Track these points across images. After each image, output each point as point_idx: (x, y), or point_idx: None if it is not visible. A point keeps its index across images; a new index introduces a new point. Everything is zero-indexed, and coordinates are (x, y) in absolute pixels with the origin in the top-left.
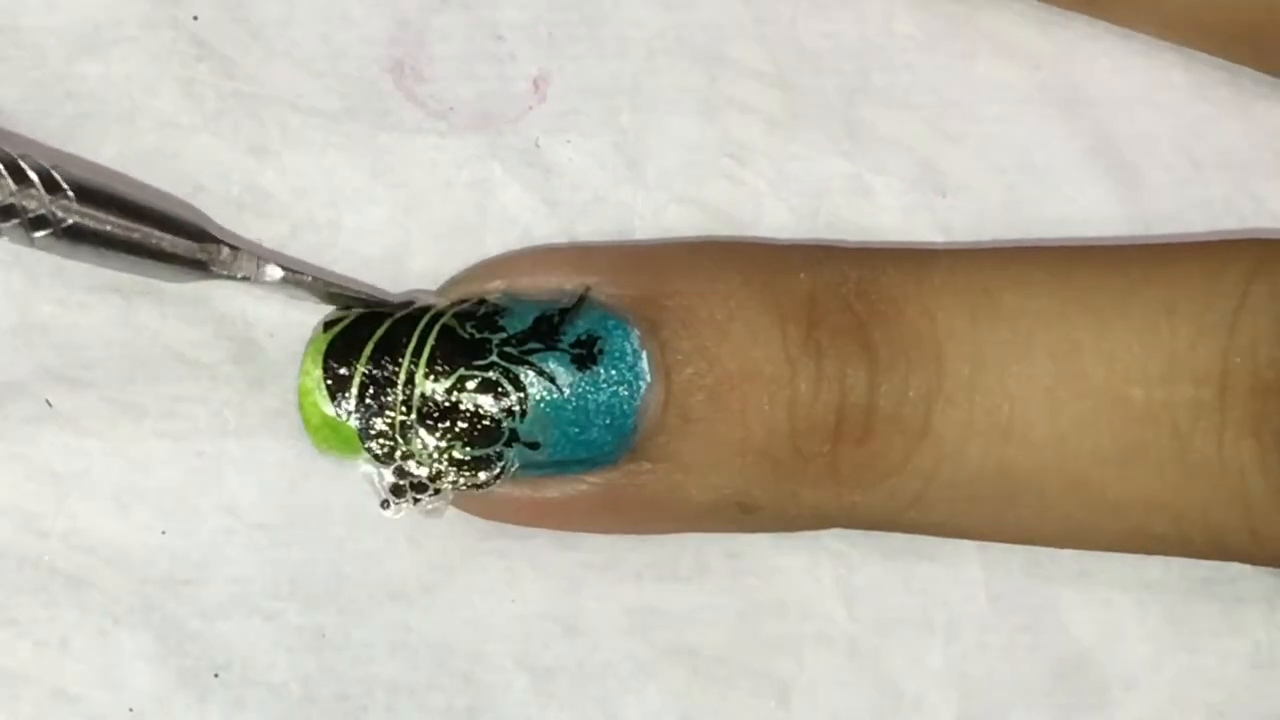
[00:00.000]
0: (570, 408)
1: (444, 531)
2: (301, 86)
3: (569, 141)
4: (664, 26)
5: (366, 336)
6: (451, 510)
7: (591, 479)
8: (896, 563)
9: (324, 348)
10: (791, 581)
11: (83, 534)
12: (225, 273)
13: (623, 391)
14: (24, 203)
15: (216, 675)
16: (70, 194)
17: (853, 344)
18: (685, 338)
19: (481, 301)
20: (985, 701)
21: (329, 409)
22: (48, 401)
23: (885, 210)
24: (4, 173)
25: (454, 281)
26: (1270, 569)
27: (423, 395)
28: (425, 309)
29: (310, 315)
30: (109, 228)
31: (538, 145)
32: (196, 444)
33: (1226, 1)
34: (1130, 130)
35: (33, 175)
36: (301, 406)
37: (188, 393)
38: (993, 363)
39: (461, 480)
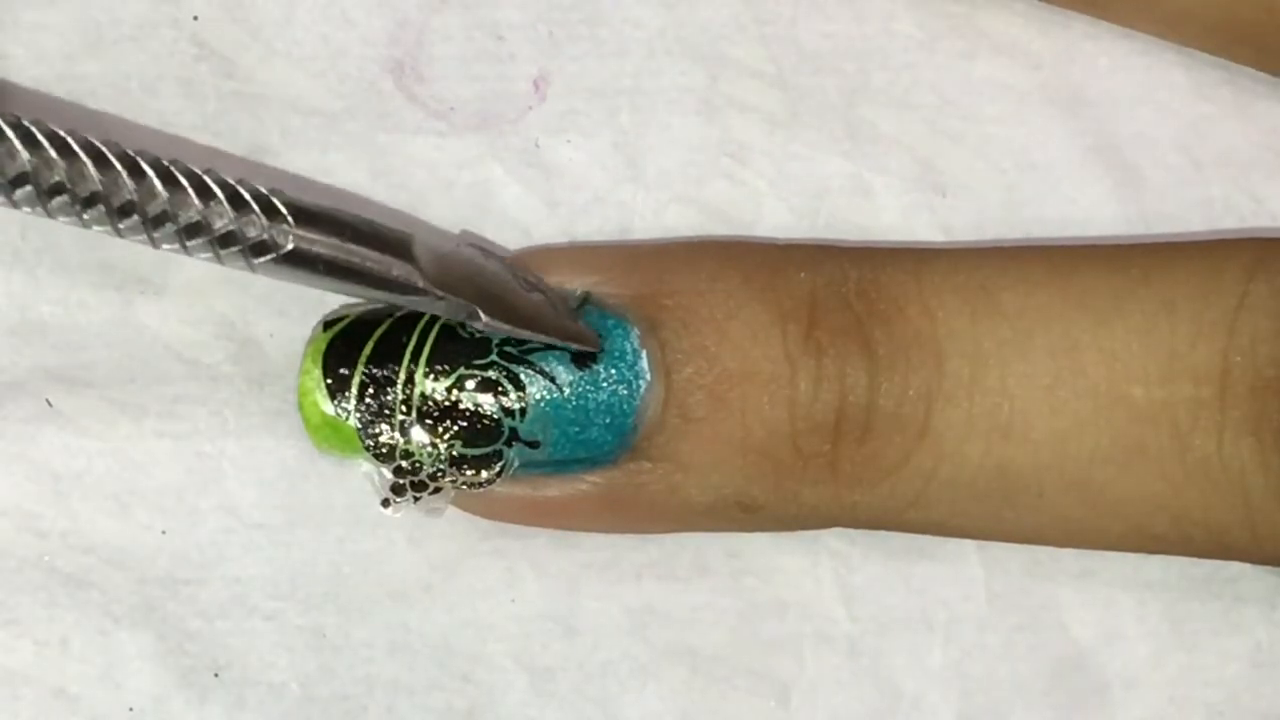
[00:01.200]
0: (570, 407)
1: (444, 531)
2: (301, 86)
3: (569, 141)
4: (664, 26)
5: (366, 336)
6: (451, 510)
7: (591, 478)
8: (896, 562)
9: (324, 347)
10: (791, 581)
11: (83, 534)
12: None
13: (622, 391)
14: (244, 229)
15: (216, 675)
16: (289, 219)
17: (853, 343)
18: (685, 337)
19: None
20: (985, 701)
21: (329, 408)
22: (48, 401)
23: (885, 210)
24: (223, 199)
25: None
26: (1270, 568)
27: (423, 394)
28: None
29: (310, 315)
30: (327, 251)
31: (538, 145)
32: (196, 444)
33: (1226, 1)
34: (1130, 130)
35: (251, 201)
36: (301, 406)
37: (188, 393)
38: (993, 362)
39: (462, 479)
